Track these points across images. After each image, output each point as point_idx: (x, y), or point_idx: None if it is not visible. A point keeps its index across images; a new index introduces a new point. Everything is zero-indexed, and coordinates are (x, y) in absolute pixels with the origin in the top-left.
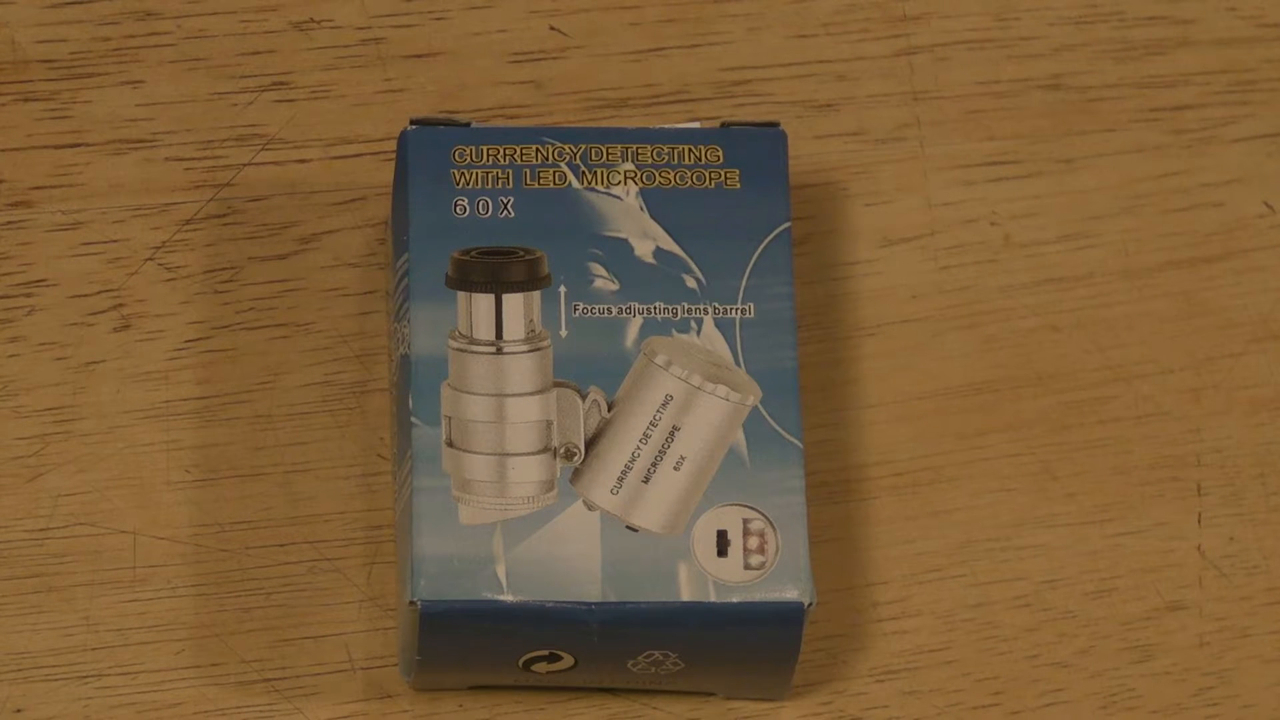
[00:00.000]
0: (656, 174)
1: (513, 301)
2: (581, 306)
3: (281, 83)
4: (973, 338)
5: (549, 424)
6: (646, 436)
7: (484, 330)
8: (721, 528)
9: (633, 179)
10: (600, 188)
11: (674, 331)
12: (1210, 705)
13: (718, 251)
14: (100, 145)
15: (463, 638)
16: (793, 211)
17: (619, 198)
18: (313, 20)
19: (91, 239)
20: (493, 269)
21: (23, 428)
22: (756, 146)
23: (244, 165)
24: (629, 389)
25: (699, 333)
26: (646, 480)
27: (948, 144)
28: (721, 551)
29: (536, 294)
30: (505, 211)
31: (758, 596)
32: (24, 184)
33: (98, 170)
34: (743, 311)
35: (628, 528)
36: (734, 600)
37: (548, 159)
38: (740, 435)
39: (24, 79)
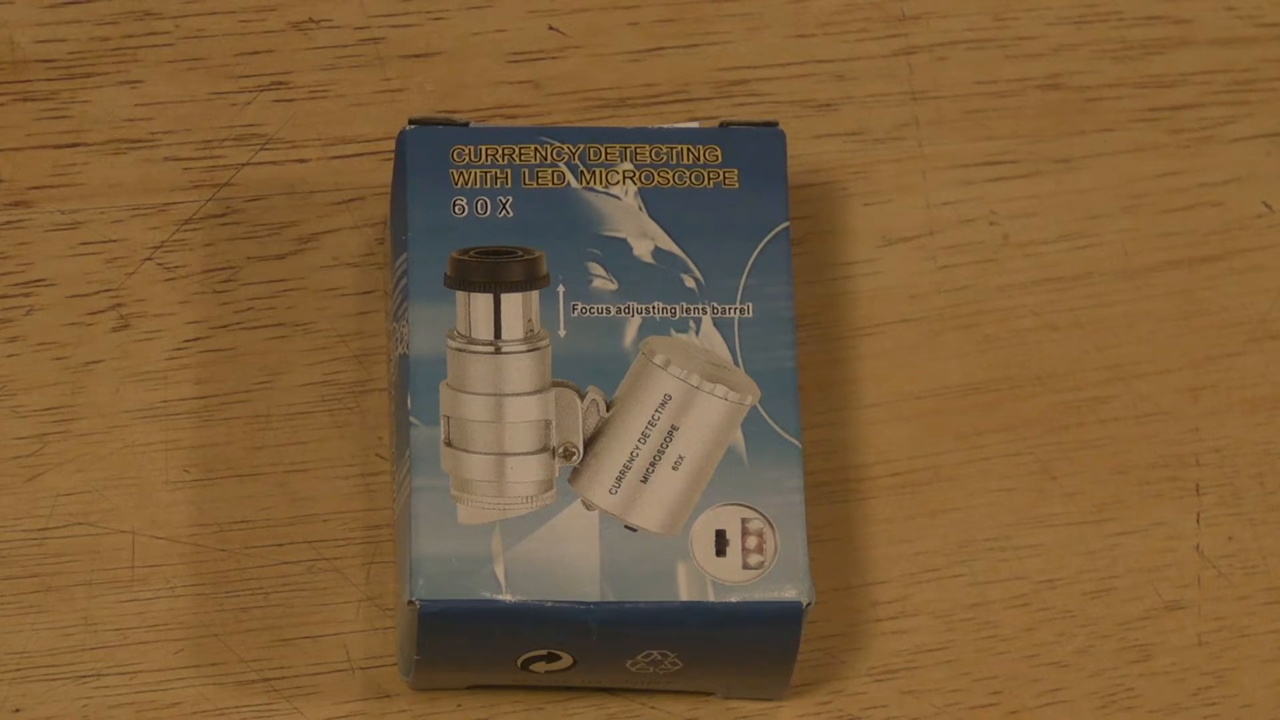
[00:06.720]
0: (655, 174)
1: (511, 301)
2: (580, 306)
3: (280, 82)
4: (971, 337)
5: (547, 424)
6: (645, 436)
7: (482, 330)
8: (720, 527)
9: (631, 179)
10: (599, 187)
11: (673, 331)
12: (1209, 705)
13: (716, 251)
14: (99, 145)
15: (461, 637)
16: (791, 211)
17: (618, 197)
18: (311, 20)
19: (90, 239)
20: (491, 269)
21: (21, 427)
22: (755, 146)
23: (242, 165)
24: (627, 389)
25: (698, 332)
26: (645, 480)
27: (946, 144)
28: (720, 551)
29: (535, 294)
30: (504, 211)
31: (756, 596)
32: (23, 184)
33: (96, 170)
34: (741, 311)
35: (626, 527)
36: (732, 600)
37: (546, 159)
38: (739, 435)
39: (23, 79)
